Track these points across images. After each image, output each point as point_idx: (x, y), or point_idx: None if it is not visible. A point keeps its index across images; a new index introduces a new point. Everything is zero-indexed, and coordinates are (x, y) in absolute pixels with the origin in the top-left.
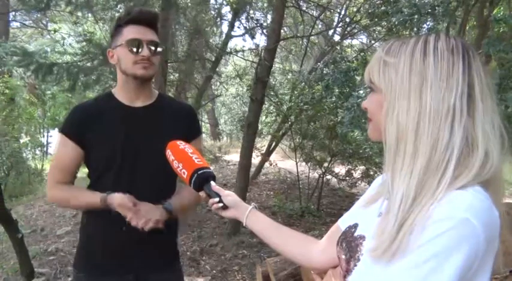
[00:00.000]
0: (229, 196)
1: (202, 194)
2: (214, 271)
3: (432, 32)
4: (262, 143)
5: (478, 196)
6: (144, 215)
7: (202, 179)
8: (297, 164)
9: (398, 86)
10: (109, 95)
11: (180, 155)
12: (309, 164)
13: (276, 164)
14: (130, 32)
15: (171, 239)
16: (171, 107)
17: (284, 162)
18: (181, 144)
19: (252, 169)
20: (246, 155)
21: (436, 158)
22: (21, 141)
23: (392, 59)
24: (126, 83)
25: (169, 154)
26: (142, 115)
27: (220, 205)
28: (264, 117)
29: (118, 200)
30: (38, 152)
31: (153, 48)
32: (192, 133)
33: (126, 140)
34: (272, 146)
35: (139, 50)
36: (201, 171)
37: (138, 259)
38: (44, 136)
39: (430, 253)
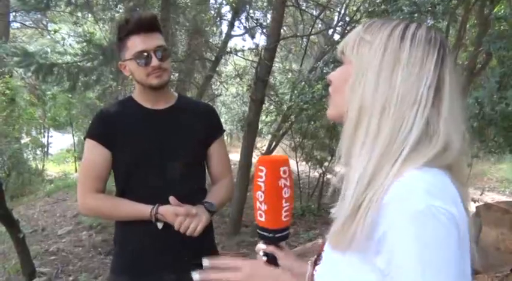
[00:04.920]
0: (286, 260)
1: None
2: None
3: (442, 24)
4: (262, 143)
5: (430, 171)
6: (190, 220)
7: (276, 241)
8: (297, 163)
9: (370, 60)
10: (130, 99)
11: (272, 193)
12: (309, 163)
13: None
14: (134, 43)
15: (209, 235)
16: (192, 108)
17: None
18: (283, 176)
19: (253, 169)
20: (247, 154)
21: (396, 143)
22: (22, 141)
23: (369, 36)
24: (144, 91)
25: (262, 175)
26: (165, 117)
27: (264, 259)
28: (264, 117)
29: (168, 210)
30: (38, 152)
31: (160, 54)
32: (215, 132)
33: (152, 142)
34: (272, 146)
35: (148, 61)
36: (281, 234)
37: (178, 257)
38: (44, 137)
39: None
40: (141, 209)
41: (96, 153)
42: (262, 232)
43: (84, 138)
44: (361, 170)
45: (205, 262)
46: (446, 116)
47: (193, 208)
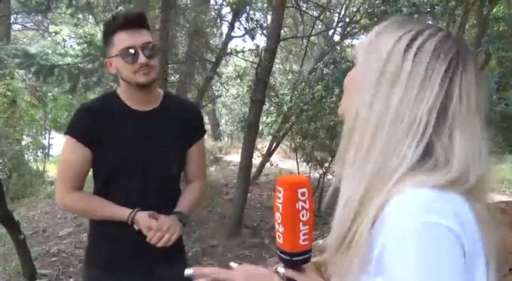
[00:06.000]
0: None
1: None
2: None
3: (441, 25)
4: (263, 144)
5: (432, 190)
6: (164, 233)
7: (294, 265)
8: (297, 164)
9: (372, 71)
10: (114, 96)
11: (289, 215)
12: (309, 164)
13: (277, 165)
14: (121, 39)
15: (179, 241)
16: (177, 108)
17: (285, 162)
18: (301, 198)
19: (253, 170)
20: (247, 155)
21: (389, 162)
22: (23, 143)
23: (378, 43)
24: (130, 89)
25: (280, 196)
26: (151, 118)
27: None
28: (264, 118)
29: (143, 222)
30: (39, 154)
31: (148, 51)
32: (197, 134)
33: (135, 143)
34: (273, 147)
35: (135, 58)
36: (299, 258)
37: (147, 254)
38: (45, 138)
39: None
40: (119, 212)
41: (76, 151)
42: (280, 254)
43: (65, 134)
44: (351, 192)
45: (189, 271)
46: (460, 141)
47: (167, 221)
